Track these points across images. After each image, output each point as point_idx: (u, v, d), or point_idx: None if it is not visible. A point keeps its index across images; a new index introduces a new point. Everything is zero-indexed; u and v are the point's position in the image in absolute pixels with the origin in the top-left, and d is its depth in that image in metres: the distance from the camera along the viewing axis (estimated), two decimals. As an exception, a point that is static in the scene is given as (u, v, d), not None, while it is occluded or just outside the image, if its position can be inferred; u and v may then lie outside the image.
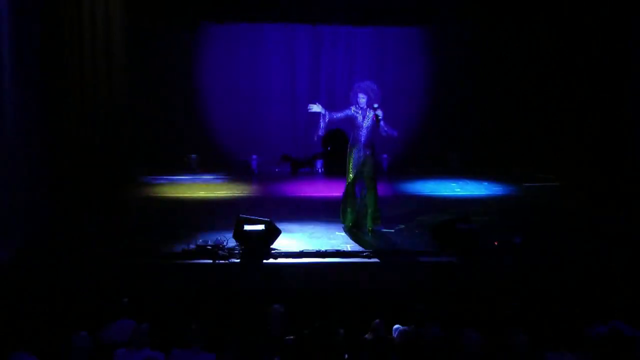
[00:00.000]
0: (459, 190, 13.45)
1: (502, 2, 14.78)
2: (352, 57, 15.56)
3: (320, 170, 14.99)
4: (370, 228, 10.23)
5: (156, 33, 14.57)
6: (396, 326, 7.23)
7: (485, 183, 13.87)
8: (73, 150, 11.11)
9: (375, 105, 9.79)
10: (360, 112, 9.93)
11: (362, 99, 9.88)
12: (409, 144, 15.44)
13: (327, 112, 9.89)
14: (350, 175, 10.15)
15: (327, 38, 15.49)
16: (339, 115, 9.99)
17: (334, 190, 12.81)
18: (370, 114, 9.84)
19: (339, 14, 14.92)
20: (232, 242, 9.36)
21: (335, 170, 14.39)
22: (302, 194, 13.20)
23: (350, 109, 9.97)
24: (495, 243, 9.45)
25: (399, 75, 15.56)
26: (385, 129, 9.85)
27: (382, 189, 12.89)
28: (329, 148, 14.97)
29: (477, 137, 15.51)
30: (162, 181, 13.60)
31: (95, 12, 11.27)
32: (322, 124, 9.91)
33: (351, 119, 10.00)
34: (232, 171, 14.85)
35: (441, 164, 15.24)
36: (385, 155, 14.80)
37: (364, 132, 9.98)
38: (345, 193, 10.31)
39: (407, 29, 15.47)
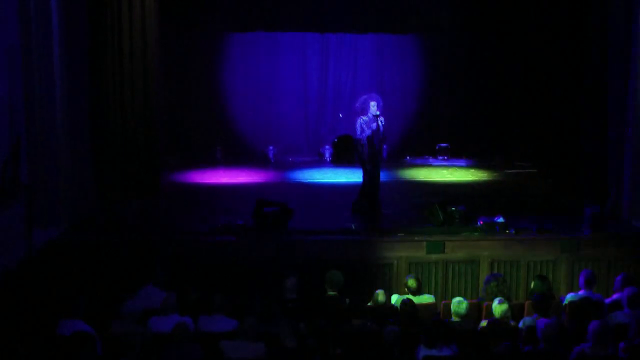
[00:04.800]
0: (449, 175, 13.34)
1: (479, 18, 14.62)
2: (355, 61, 15.44)
3: (328, 159, 14.87)
4: (375, 209, 10.19)
5: (187, 40, 14.46)
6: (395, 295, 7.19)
7: (472, 170, 13.76)
8: (114, 143, 11.04)
9: (378, 112, 9.90)
10: (368, 119, 9.93)
11: (374, 106, 9.94)
12: (404, 136, 15.32)
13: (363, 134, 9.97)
14: (367, 168, 10.10)
15: (334, 44, 15.37)
16: (366, 132, 9.96)
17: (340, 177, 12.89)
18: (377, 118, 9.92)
19: (344, 23, 14.79)
20: (252, 222, 9.31)
21: (340, 160, 14.33)
22: (311, 180, 13.09)
23: (361, 119, 10.01)
24: (480, 222, 9.36)
25: (395, 76, 15.46)
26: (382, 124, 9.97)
27: (382, 175, 12.82)
28: (335, 139, 14.85)
29: (464, 130, 15.34)
30: (191, 169, 13.53)
31: (133, 19, 11.14)
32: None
33: (364, 126, 9.96)
34: (251, 160, 14.76)
35: (431, 154, 15.11)
36: (384, 146, 14.69)
37: (375, 134, 9.95)
38: (364, 182, 10.27)
39: (403, 37, 15.33)
